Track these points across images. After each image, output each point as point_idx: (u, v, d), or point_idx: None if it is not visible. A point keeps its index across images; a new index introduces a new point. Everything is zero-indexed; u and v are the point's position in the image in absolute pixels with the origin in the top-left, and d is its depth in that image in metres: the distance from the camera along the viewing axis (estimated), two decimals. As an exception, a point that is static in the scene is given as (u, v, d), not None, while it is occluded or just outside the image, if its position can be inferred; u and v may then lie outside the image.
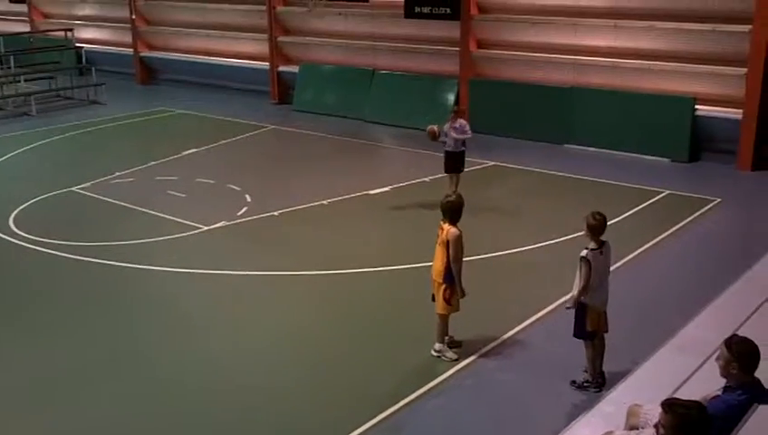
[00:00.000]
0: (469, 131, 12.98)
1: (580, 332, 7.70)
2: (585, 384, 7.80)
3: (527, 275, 10.66)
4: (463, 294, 8.21)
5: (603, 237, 7.63)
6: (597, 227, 7.52)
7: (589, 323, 7.60)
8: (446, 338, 8.46)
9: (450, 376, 8.07)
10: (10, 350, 8.92)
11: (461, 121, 13.00)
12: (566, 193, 14.16)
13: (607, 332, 7.77)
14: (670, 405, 4.64)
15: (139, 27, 26.49)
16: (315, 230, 12.48)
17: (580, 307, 7.62)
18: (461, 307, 8.32)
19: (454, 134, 12.81)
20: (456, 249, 8.03)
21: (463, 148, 12.99)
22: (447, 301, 8.21)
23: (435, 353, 8.40)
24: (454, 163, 13.02)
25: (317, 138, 18.89)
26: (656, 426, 4.79)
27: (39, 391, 7.98)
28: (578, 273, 7.53)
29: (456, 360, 8.30)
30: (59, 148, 18.34)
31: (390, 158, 17.61)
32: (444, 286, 8.17)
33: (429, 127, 13.18)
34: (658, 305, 9.56)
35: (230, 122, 20.37)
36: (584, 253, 7.50)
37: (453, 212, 8.20)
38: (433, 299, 8.36)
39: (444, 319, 8.36)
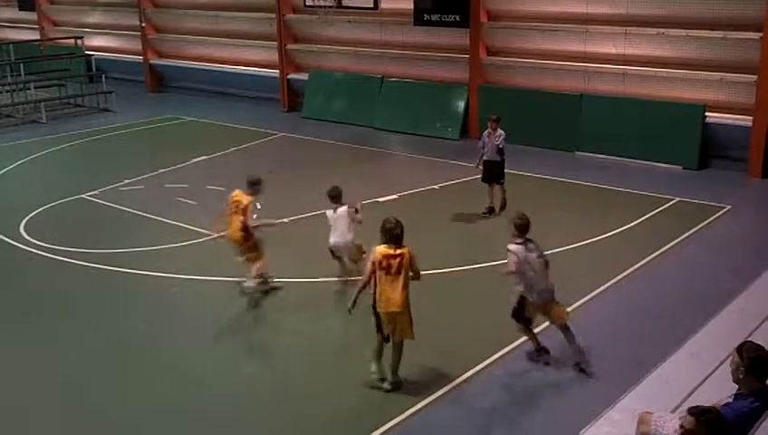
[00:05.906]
0: (502, 143, 12.72)
1: (514, 314, 8.20)
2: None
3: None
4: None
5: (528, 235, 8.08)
6: (522, 226, 8.00)
7: (527, 311, 8.13)
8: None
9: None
10: (21, 355, 8.95)
11: (500, 132, 12.67)
12: (576, 200, 14.12)
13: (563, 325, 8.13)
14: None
15: (148, 35, 26.60)
16: (325, 238, 12.44)
17: (521, 298, 8.11)
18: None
19: (495, 141, 12.61)
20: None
21: (500, 157, 12.72)
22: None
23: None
24: (490, 173, 12.76)
25: (326, 145, 18.92)
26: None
27: (48, 396, 8.01)
28: None
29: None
30: (69, 155, 18.42)
31: (399, 165, 17.60)
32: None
33: None
34: (669, 312, 9.51)
35: (240, 130, 20.40)
36: (511, 246, 7.97)
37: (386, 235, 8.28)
38: None
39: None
